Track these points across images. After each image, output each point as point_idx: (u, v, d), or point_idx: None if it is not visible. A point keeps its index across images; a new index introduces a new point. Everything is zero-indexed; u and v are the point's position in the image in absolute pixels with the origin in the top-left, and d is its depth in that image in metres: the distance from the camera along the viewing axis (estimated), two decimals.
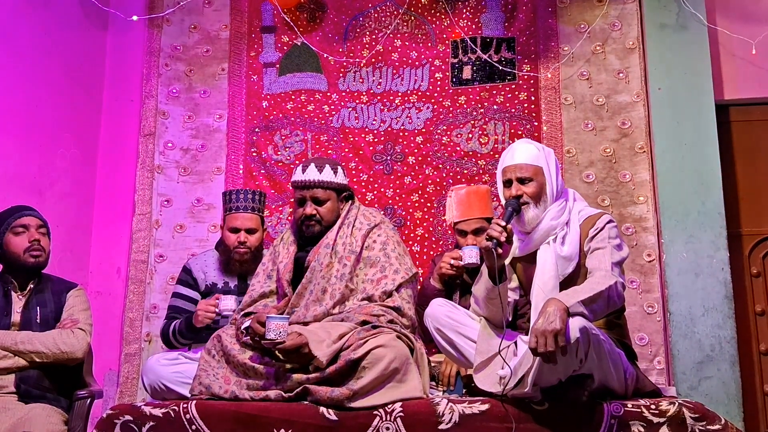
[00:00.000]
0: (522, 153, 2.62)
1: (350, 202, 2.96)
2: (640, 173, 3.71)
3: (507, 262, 2.63)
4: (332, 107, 4.08)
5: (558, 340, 2.13)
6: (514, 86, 3.93)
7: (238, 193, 3.28)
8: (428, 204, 3.90)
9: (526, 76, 3.92)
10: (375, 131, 4.02)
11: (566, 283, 2.50)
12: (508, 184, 2.62)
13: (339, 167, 2.94)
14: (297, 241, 2.93)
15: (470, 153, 3.90)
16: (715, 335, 3.48)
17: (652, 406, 2.31)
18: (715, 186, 3.62)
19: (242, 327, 2.65)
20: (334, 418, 2.36)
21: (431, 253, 3.79)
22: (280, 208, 3.99)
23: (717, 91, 3.78)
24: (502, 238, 2.43)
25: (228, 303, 2.93)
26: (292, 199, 3.93)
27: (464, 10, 4.06)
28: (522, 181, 2.58)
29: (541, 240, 2.58)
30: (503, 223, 2.46)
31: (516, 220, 2.59)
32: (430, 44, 4.06)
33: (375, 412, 2.37)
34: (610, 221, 2.54)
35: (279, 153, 4.06)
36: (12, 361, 2.68)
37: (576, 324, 2.18)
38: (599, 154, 3.78)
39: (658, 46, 3.81)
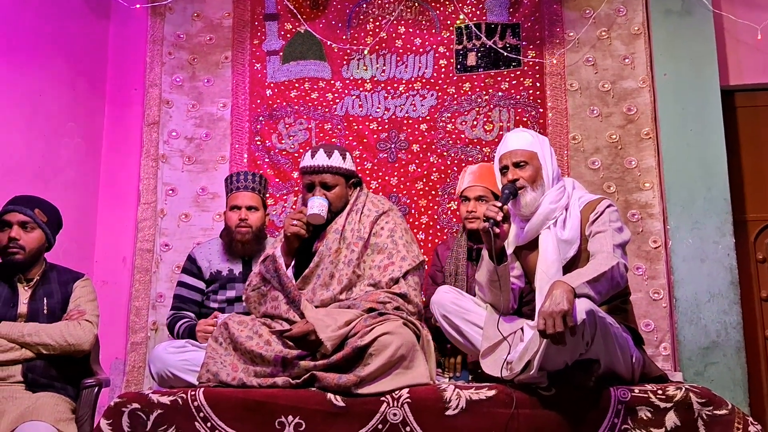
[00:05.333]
0: (516, 140, 2.68)
1: (358, 188, 2.96)
2: (645, 159, 3.70)
3: (510, 251, 2.64)
4: (336, 95, 4.07)
5: (566, 320, 2.14)
6: (519, 72, 3.92)
7: (239, 174, 3.33)
8: (433, 192, 3.89)
9: (531, 63, 3.91)
10: (379, 119, 4.01)
11: (568, 268, 2.52)
12: (504, 170, 2.67)
13: (348, 153, 2.94)
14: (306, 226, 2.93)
15: (475, 140, 3.89)
16: (721, 321, 3.48)
17: (659, 392, 2.31)
18: (721, 172, 3.62)
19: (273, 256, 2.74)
20: (341, 404, 2.37)
21: (436, 240, 3.79)
22: (285, 197, 3.99)
23: (722, 77, 3.77)
24: (499, 218, 2.45)
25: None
26: (297, 188, 3.95)
27: None
28: (517, 165, 2.63)
29: (540, 224, 2.60)
30: (500, 204, 2.48)
31: (514, 205, 2.62)
32: (434, 31, 4.05)
33: (382, 399, 2.37)
34: (610, 205, 2.57)
35: (283, 141, 4.05)
36: (19, 353, 2.69)
37: (582, 306, 2.19)
38: (605, 141, 3.77)
39: (663, 32, 3.80)
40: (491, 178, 3.24)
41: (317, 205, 2.74)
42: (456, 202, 3.69)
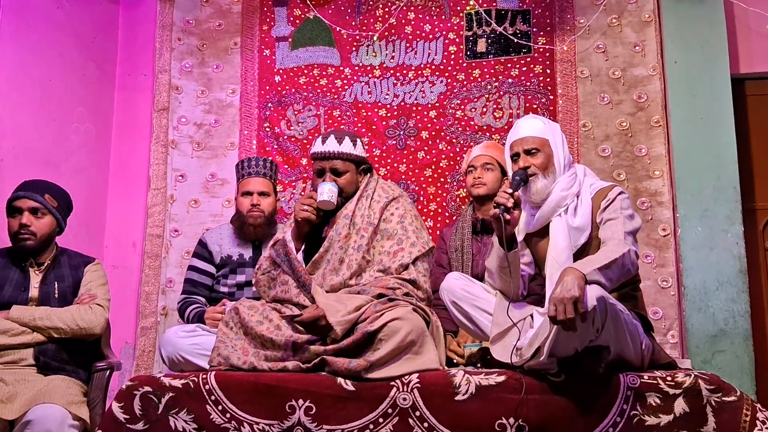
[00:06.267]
0: (527, 127, 2.67)
1: (369, 174, 2.97)
2: (655, 147, 3.69)
3: (520, 238, 2.64)
4: (345, 82, 4.06)
5: (577, 307, 2.14)
6: (529, 59, 3.90)
7: (250, 160, 3.35)
8: (441, 179, 3.89)
9: (541, 49, 3.89)
10: (388, 106, 4.01)
11: (578, 255, 2.52)
12: (515, 157, 2.67)
13: (358, 140, 2.94)
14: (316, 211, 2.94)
15: (484, 127, 3.88)
16: (729, 309, 3.48)
17: (668, 378, 2.32)
18: (731, 160, 3.60)
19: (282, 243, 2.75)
20: (351, 388, 2.38)
21: (444, 228, 3.79)
22: (293, 184, 3.99)
23: (733, 65, 3.75)
24: (509, 204, 2.45)
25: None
26: (305, 174, 3.96)
27: None
28: (529, 152, 2.63)
29: (552, 211, 2.59)
30: (510, 191, 2.47)
31: (525, 192, 2.61)
32: (443, 17, 4.03)
33: (392, 383, 2.38)
34: (621, 192, 2.56)
35: (292, 128, 4.05)
36: (30, 337, 2.71)
37: (593, 293, 2.19)
38: (615, 128, 3.75)
39: (674, 20, 3.77)
40: (497, 150, 3.38)
41: (327, 190, 2.74)
42: (465, 189, 3.69)
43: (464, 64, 3.96)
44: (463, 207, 3.54)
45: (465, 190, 3.68)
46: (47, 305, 2.80)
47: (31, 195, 2.84)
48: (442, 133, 3.92)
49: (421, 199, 3.88)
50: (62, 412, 2.48)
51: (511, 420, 2.30)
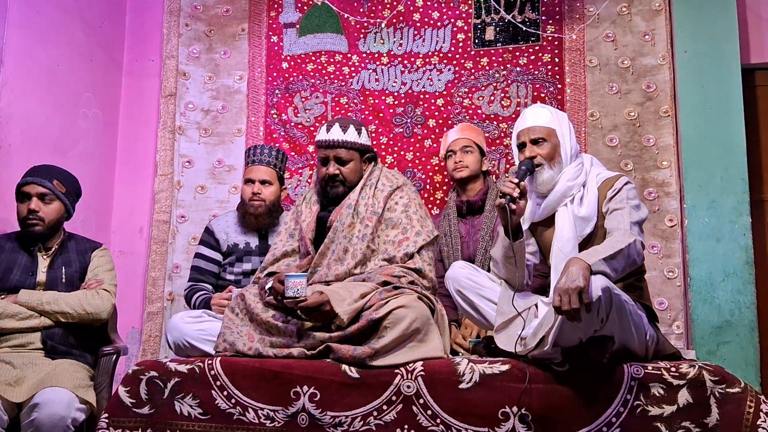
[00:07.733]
0: (534, 116, 2.67)
1: (373, 163, 2.96)
2: (664, 137, 3.67)
3: (525, 227, 2.63)
4: (352, 69, 4.05)
5: (582, 297, 2.14)
6: (537, 48, 3.88)
7: (256, 147, 3.36)
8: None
9: (550, 38, 3.87)
10: (395, 93, 3.99)
11: (584, 245, 2.52)
12: (522, 147, 2.66)
13: (363, 128, 2.93)
14: (320, 200, 2.94)
15: (492, 116, 3.87)
16: (735, 301, 3.47)
17: (672, 369, 2.32)
18: (739, 151, 3.57)
19: (266, 287, 2.66)
20: (356, 375, 2.39)
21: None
22: (300, 171, 3.99)
23: (743, 55, 3.71)
24: (515, 194, 2.44)
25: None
26: (312, 162, 3.96)
27: None
28: (535, 142, 2.62)
29: (558, 201, 2.59)
30: (516, 180, 2.47)
31: (531, 182, 2.60)
32: (452, 4, 4.00)
33: (396, 371, 2.39)
34: (627, 182, 2.56)
35: (299, 115, 4.05)
36: (38, 321, 2.73)
37: (598, 283, 2.19)
38: (623, 118, 3.73)
39: (684, 8, 3.74)
40: (473, 132, 3.48)
41: (291, 285, 2.48)
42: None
43: (472, 52, 3.94)
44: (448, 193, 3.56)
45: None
46: (54, 290, 2.82)
47: (40, 181, 2.86)
48: (450, 122, 3.90)
49: (428, 187, 3.88)
50: (69, 396, 2.50)
51: (515, 409, 2.31)
